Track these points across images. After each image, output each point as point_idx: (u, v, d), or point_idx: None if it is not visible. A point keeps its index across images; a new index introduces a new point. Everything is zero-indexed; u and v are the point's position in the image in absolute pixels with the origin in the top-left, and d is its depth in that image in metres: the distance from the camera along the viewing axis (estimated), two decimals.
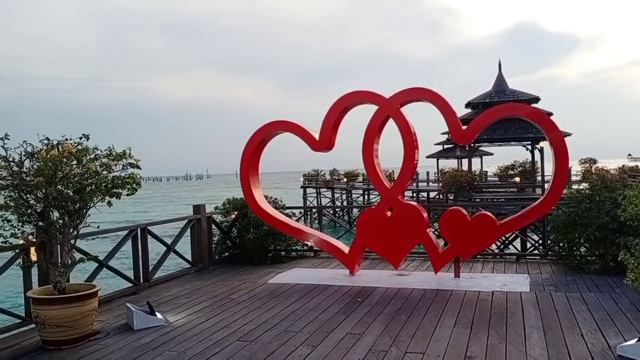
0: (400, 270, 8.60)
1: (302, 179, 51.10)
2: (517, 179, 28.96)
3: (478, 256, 9.48)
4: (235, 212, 10.28)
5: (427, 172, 36.31)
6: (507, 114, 8.54)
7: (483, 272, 8.59)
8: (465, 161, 35.09)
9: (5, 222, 5.42)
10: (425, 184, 34.59)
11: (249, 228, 10.07)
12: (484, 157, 40.00)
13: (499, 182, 30.85)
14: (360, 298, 7.07)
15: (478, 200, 24.76)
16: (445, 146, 36.97)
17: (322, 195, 47.07)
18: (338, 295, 7.27)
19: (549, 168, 10.60)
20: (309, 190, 48.06)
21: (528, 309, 6.32)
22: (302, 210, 13.64)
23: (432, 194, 31.98)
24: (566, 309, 6.28)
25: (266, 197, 9.72)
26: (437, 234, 9.10)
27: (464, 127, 8.04)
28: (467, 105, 27.76)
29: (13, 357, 5.24)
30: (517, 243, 15.27)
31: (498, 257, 10.11)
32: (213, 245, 9.99)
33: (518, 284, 7.58)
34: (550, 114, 22.42)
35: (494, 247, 12.41)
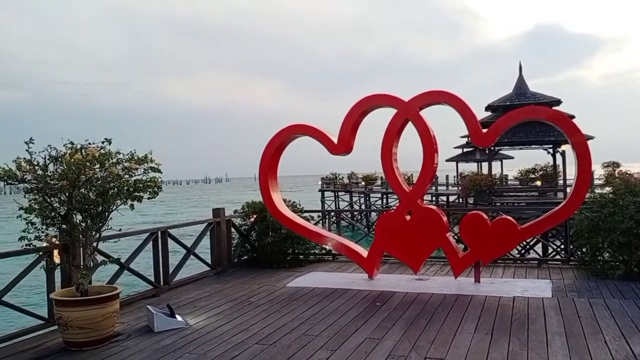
0: (420, 274, 8.53)
1: (319, 183, 51.15)
2: (538, 183, 28.59)
3: (498, 261, 9.37)
4: (254, 216, 10.33)
5: (447, 176, 36.06)
6: (528, 117, 8.46)
7: (504, 277, 8.49)
8: (485, 165, 34.75)
9: (29, 224, 5.53)
10: (444, 187, 34.36)
11: (267, 231, 10.10)
12: (504, 161, 39.57)
13: (520, 186, 30.49)
14: (379, 302, 7.04)
15: (498, 204, 24.49)
16: (465, 149, 36.66)
17: (340, 199, 47.05)
18: (357, 300, 7.25)
19: (571, 172, 10.44)
20: (326, 193, 48.08)
21: (550, 315, 6.22)
22: (320, 214, 13.64)
23: (451, 198, 31.74)
24: (589, 315, 6.17)
25: (285, 200, 9.74)
26: (457, 238, 9.02)
27: (484, 131, 7.97)
28: (487, 108, 27.51)
29: (36, 357, 5.33)
30: (539, 248, 15.06)
31: (519, 262, 9.98)
32: (232, 249, 10.04)
33: (540, 290, 7.47)
34: (572, 116, 22.07)
35: (514, 252, 12.28)
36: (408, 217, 8.14)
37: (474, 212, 8.23)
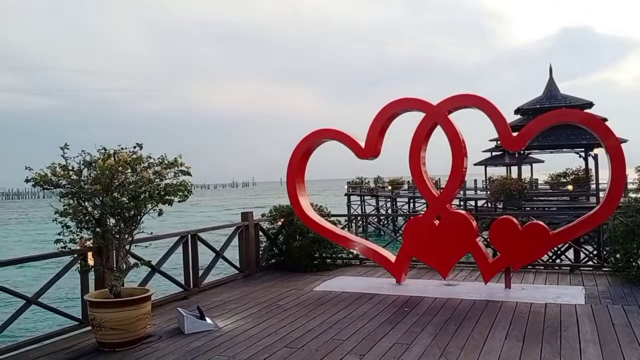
0: (449, 280, 8.44)
1: (345, 187, 51.08)
2: (570, 187, 28.00)
3: (529, 267, 9.21)
4: (282, 219, 10.38)
5: (475, 180, 35.59)
6: (560, 120, 8.29)
7: (535, 284, 8.34)
8: (514, 169, 34.24)
9: (64, 228, 5.67)
10: (472, 192, 33.92)
11: (295, 235, 10.15)
12: (534, 165, 38.91)
13: (551, 191, 29.91)
14: (408, 308, 6.99)
15: (528, 209, 24.06)
16: (494, 153, 36.19)
17: (365, 203, 46.89)
18: (385, 305, 7.21)
19: (604, 176, 10.20)
20: (352, 197, 47.98)
21: (583, 322, 6.09)
22: (346, 218, 13.62)
23: (479, 203, 31.33)
24: (624, 323, 6.01)
25: (312, 204, 9.77)
26: (486, 243, 8.90)
27: (514, 134, 7.86)
28: (517, 112, 27.11)
29: (71, 358, 5.46)
30: (570, 253, 14.75)
31: (550, 268, 9.78)
32: (260, 252, 10.12)
33: (572, 296, 7.31)
34: (605, 119, 21.58)
35: (545, 257, 12.04)
36: (437, 222, 8.07)
37: (505, 216, 8.11)
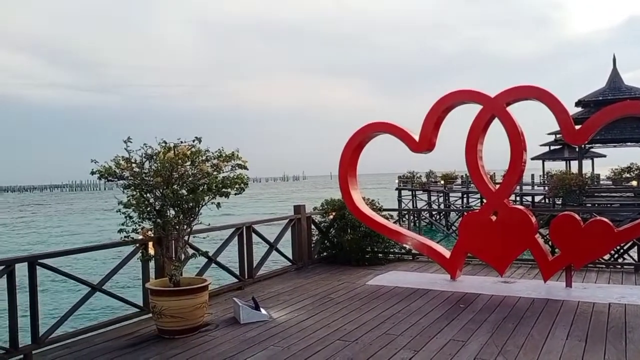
0: (506, 277, 8.23)
1: (396, 181, 50.61)
2: (634, 183, 26.66)
3: (590, 265, 8.84)
4: (333, 213, 10.41)
5: (532, 175, 34.46)
6: (625, 112, 7.88)
7: (597, 283, 8.00)
8: (574, 163, 32.94)
9: (127, 218, 5.89)
10: (529, 187, 32.89)
11: (346, 229, 10.16)
12: (595, 159, 37.31)
13: (613, 186, 28.58)
14: (463, 304, 6.87)
15: (589, 205, 23.10)
16: (552, 147, 34.95)
17: (417, 198, 46.31)
18: (439, 301, 7.11)
19: None
20: (404, 192, 47.48)
21: None
22: (397, 213, 13.52)
23: (537, 198, 30.35)
24: None
25: (363, 198, 9.74)
26: (544, 239, 8.60)
27: (577, 127, 7.55)
28: (578, 104, 26.05)
29: (132, 344, 5.67)
30: (634, 252, 14.09)
31: (612, 266, 9.36)
32: (312, 245, 10.19)
33: (638, 297, 6.97)
34: None
35: (606, 256, 11.53)
36: (494, 218, 7.87)
37: (566, 213, 7.81)
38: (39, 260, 5.58)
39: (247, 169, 6.31)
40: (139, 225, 6.01)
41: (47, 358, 5.30)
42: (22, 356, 5.24)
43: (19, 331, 5.26)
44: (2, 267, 5.23)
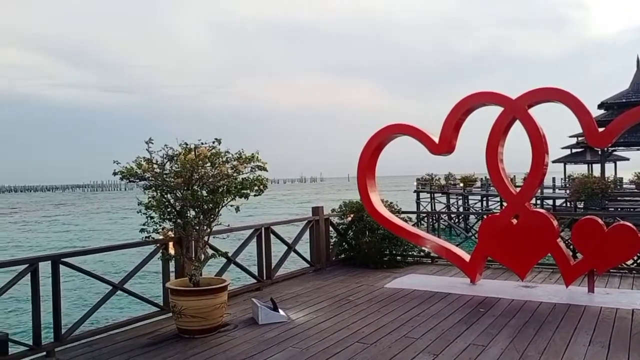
0: (526, 281, 8.11)
1: (415, 184, 50.34)
2: None
3: (613, 271, 8.67)
4: (352, 215, 10.39)
5: (553, 178, 34.00)
6: None
7: (621, 288, 7.85)
8: (596, 166, 32.42)
9: (149, 218, 5.96)
10: (550, 190, 32.45)
11: (364, 231, 10.13)
12: (618, 162, 36.65)
13: (637, 190, 28.06)
14: (483, 308, 6.79)
15: (612, 209, 22.70)
16: (574, 150, 34.45)
17: (436, 201, 46.00)
18: (459, 304, 7.05)
19: None
20: (422, 195, 47.21)
21: None
22: (417, 215, 13.45)
23: (558, 202, 29.92)
24: None
25: (382, 200, 9.70)
26: (566, 243, 8.46)
27: (600, 130, 7.43)
28: (601, 106, 25.67)
29: (152, 343, 5.73)
30: None
31: (636, 272, 9.17)
32: (330, 247, 10.18)
33: None
34: None
35: (629, 261, 11.31)
36: (514, 221, 7.78)
37: (589, 217, 7.68)
38: (61, 259, 5.67)
39: (267, 171, 6.34)
40: (160, 225, 6.07)
41: (69, 355, 5.38)
42: (44, 353, 5.33)
43: (42, 329, 5.36)
44: (26, 265, 5.33)
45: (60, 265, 5.63)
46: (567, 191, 28.86)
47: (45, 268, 5.50)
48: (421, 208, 43.43)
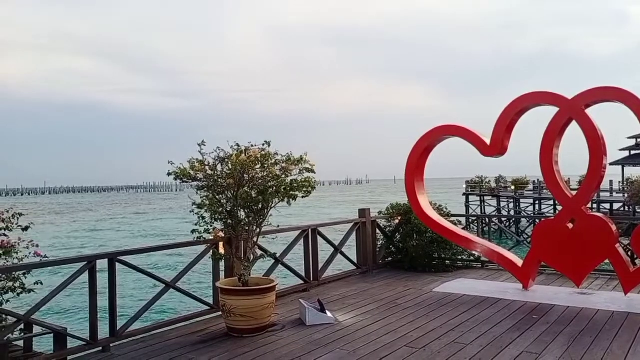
0: (582, 288, 7.81)
1: (464, 186, 49.39)
2: None
3: None
4: (399, 218, 10.28)
5: (610, 181, 32.62)
6: None
7: None
8: None
9: (200, 219, 6.10)
10: (607, 193, 31.15)
11: (412, 234, 10.00)
12: None
13: None
14: (537, 315, 6.58)
15: None
16: (633, 152, 32.95)
17: (486, 204, 44.96)
18: (511, 310, 6.86)
19: None
20: (471, 198, 46.25)
21: None
22: (466, 218, 13.18)
23: (615, 206, 28.69)
24: None
25: (430, 203, 9.55)
26: (625, 249, 8.09)
27: None
28: None
29: (203, 340, 5.85)
30: None
31: None
32: (377, 249, 10.11)
33: None
34: None
35: None
36: (570, 226, 7.50)
37: None
38: (118, 257, 5.87)
39: (315, 173, 6.37)
40: (211, 225, 6.20)
41: (124, 351, 5.56)
42: (100, 348, 5.53)
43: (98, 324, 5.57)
44: (84, 263, 5.54)
45: (117, 263, 5.82)
46: (625, 195, 27.62)
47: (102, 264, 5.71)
48: (470, 211, 42.57)
